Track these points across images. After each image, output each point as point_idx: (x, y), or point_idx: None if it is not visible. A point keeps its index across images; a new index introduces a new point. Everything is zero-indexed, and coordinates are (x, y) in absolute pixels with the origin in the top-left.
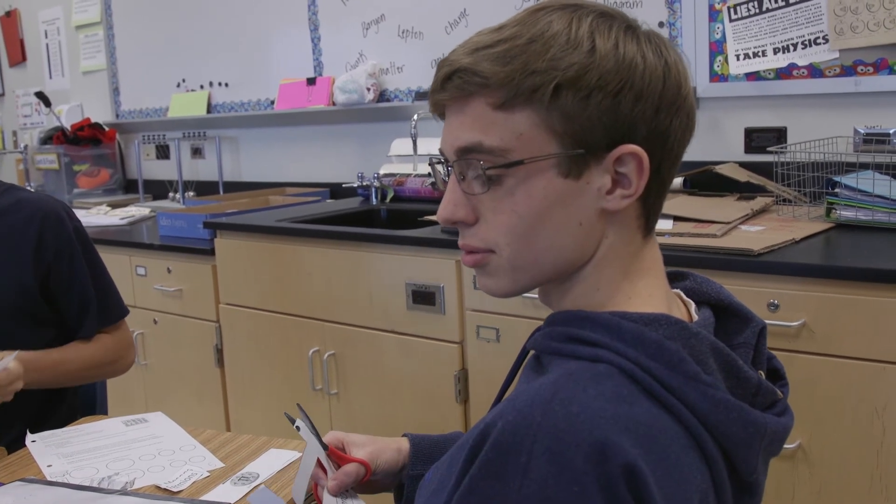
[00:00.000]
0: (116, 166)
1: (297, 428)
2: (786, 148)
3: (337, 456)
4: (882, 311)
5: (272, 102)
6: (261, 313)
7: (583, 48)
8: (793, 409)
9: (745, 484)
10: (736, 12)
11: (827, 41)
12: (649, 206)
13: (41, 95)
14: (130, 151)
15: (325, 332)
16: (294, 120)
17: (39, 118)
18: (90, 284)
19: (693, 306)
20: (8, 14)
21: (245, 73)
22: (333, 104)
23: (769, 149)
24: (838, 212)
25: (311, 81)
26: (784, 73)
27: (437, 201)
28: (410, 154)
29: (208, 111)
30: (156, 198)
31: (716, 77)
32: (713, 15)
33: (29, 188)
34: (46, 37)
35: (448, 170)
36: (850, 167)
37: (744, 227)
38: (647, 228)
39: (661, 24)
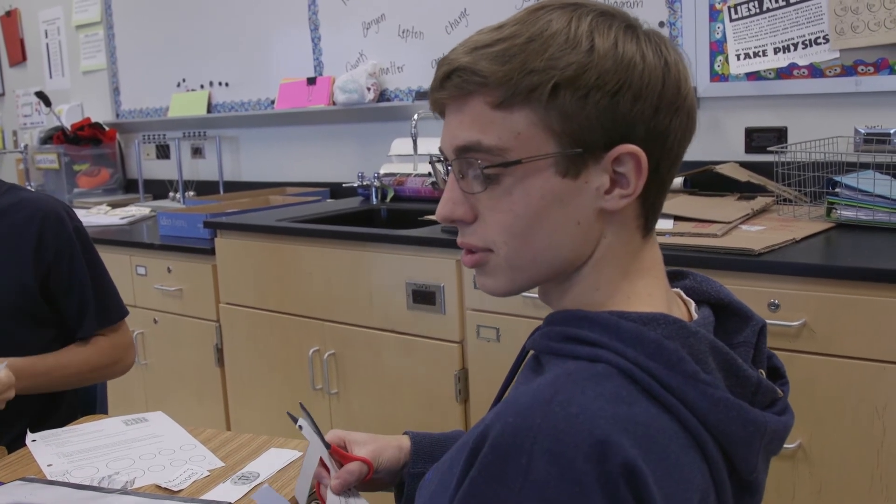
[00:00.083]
0: (117, 166)
1: (300, 427)
2: (786, 148)
3: (339, 454)
4: (882, 311)
5: (272, 102)
6: (261, 313)
7: (581, 47)
8: (793, 408)
9: (745, 483)
10: (736, 12)
11: (827, 41)
12: (649, 206)
13: (41, 95)
14: (131, 151)
15: (326, 331)
16: (294, 120)
17: (39, 118)
18: (90, 285)
19: (693, 305)
20: (8, 14)
21: (245, 72)
22: (334, 104)
23: (770, 148)
24: (839, 212)
25: (311, 81)
26: (784, 73)
27: (438, 201)
28: (411, 154)
29: (208, 111)
30: (156, 197)
31: (716, 77)
32: (714, 15)
33: (29, 188)
34: (47, 36)
35: (447, 168)
36: (851, 167)
37: (744, 227)
38: (647, 228)
39: (661, 24)
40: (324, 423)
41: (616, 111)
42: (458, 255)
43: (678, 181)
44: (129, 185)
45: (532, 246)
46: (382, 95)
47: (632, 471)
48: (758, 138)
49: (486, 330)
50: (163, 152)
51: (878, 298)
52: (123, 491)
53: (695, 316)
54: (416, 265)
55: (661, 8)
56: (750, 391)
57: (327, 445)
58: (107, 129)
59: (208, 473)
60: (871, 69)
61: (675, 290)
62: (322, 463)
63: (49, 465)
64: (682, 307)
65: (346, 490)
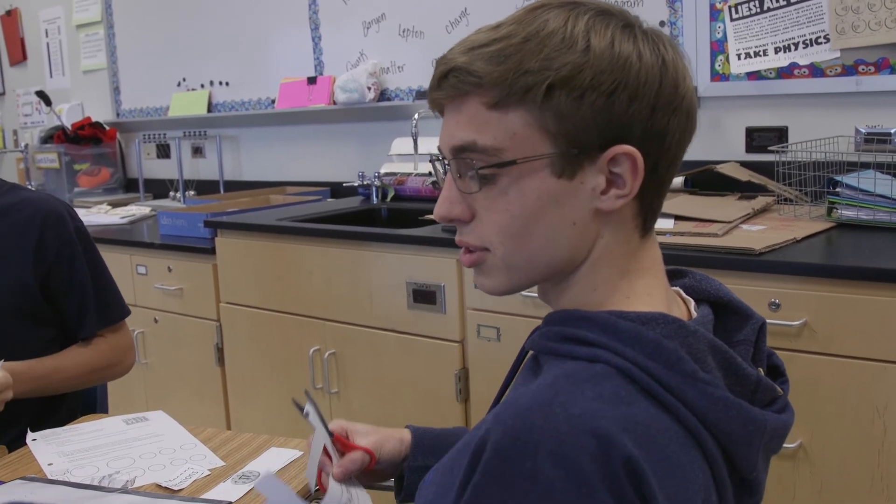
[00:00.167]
0: (117, 165)
1: (307, 413)
2: (787, 147)
3: (342, 443)
4: (883, 311)
5: (273, 101)
6: (261, 312)
7: (577, 47)
8: (793, 408)
9: (745, 482)
10: (737, 11)
11: (828, 40)
12: (646, 206)
13: (42, 94)
14: (131, 150)
15: (326, 331)
16: (295, 119)
17: (40, 117)
18: (91, 285)
19: (692, 304)
20: (9, 13)
21: (246, 72)
22: (334, 103)
23: (770, 148)
24: (839, 211)
25: (311, 80)
26: (785, 73)
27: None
28: (411, 153)
29: (209, 110)
30: (156, 197)
31: (717, 76)
32: (714, 14)
33: (30, 187)
34: (47, 36)
35: (445, 167)
36: (852, 167)
37: (745, 227)
38: (645, 228)
39: (662, 24)
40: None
41: (612, 111)
42: (458, 254)
43: (679, 181)
44: (130, 185)
45: (528, 246)
46: (383, 95)
47: (633, 468)
48: (758, 138)
49: (487, 329)
50: (163, 152)
51: (879, 298)
52: (124, 490)
53: (694, 314)
54: (417, 265)
55: (662, 7)
56: (749, 390)
57: (330, 434)
58: (107, 128)
59: (209, 473)
60: (872, 69)
61: (674, 288)
62: (325, 451)
63: (49, 465)
64: (681, 306)
65: (347, 478)
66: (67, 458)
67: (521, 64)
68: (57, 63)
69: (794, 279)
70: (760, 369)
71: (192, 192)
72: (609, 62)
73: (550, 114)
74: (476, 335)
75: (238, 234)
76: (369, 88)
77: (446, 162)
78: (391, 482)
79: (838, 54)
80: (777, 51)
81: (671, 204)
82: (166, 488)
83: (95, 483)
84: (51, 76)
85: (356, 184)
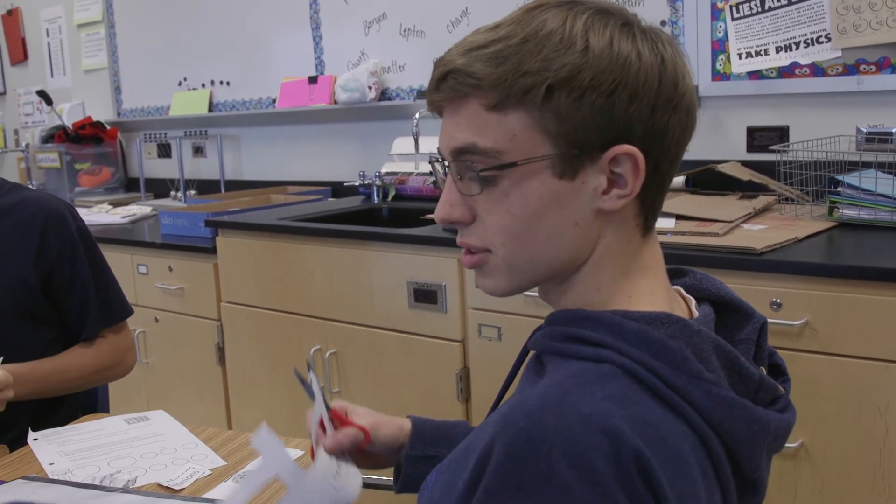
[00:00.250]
0: (118, 165)
1: (310, 381)
2: (788, 147)
3: (338, 419)
4: (885, 310)
5: (274, 101)
6: (262, 312)
7: (576, 47)
8: (795, 407)
9: (748, 481)
10: (738, 11)
11: (829, 40)
12: (648, 205)
13: (43, 94)
14: (132, 150)
15: (327, 330)
16: (295, 118)
17: (41, 117)
18: (92, 285)
19: (693, 302)
20: (10, 13)
21: (246, 71)
22: (335, 103)
23: (771, 147)
24: (841, 211)
25: (312, 80)
26: (786, 72)
27: (439, 200)
28: (412, 152)
29: (210, 110)
30: (157, 196)
31: (718, 76)
32: (715, 14)
33: (31, 187)
34: (48, 35)
35: (445, 169)
36: (853, 166)
37: (746, 226)
38: (646, 227)
39: (663, 23)
40: None
41: (612, 111)
42: (459, 254)
43: (679, 180)
44: (131, 184)
45: (530, 247)
46: (384, 94)
47: (644, 467)
48: (759, 137)
49: (488, 329)
50: (164, 151)
51: (881, 298)
52: (125, 490)
53: (695, 313)
54: (418, 264)
55: (663, 6)
56: (752, 389)
57: (328, 408)
58: (108, 127)
59: (210, 472)
60: (873, 68)
61: (674, 287)
62: (321, 424)
63: (51, 464)
64: (682, 305)
65: (339, 451)
66: (69, 457)
67: (520, 65)
68: (58, 62)
69: (796, 279)
70: (762, 368)
71: (192, 192)
72: (608, 62)
73: (550, 115)
74: (477, 335)
75: (239, 233)
76: (370, 88)
77: (446, 163)
78: (391, 482)
79: (839, 53)
80: (778, 50)
81: (672, 203)
82: (167, 488)
83: (97, 483)
84: (52, 76)
85: (357, 183)
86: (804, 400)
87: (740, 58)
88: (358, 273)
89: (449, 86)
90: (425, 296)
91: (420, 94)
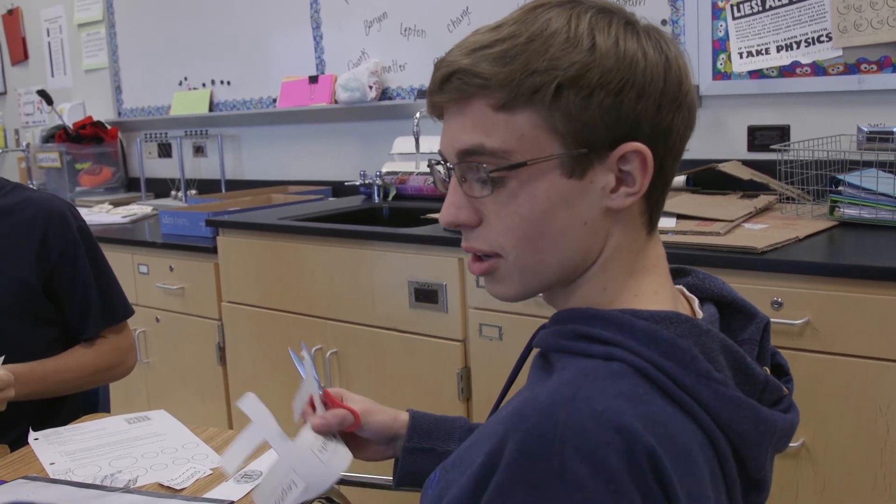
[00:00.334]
0: (118, 164)
1: (302, 358)
2: (789, 146)
3: (330, 400)
4: (886, 310)
5: (274, 100)
6: (263, 311)
7: (583, 46)
8: (798, 408)
9: (753, 481)
10: (739, 10)
11: (830, 39)
12: (653, 203)
13: (43, 94)
14: (132, 150)
15: (328, 330)
16: (296, 118)
17: (41, 116)
18: (93, 285)
19: (696, 302)
20: (10, 12)
21: (247, 71)
22: (336, 102)
23: (772, 147)
24: (842, 210)
25: (313, 79)
26: (787, 71)
27: (440, 199)
28: (413, 152)
29: (210, 109)
30: (158, 196)
31: (719, 75)
32: (716, 13)
33: (32, 186)
34: (48, 35)
35: (448, 171)
36: (854, 165)
37: (747, 226)
38: (651, 225)
39: (663, 22)
40: None
41: (620, 110)
42: (460, 253)
43: (680, 179)
44: (131, 184)
45: (540, 248)
46: (384, 94)
47: (656, 464)
48: (760, 136)
49: (489, 328)
50: (165, 151)
51: (882, 297)
52: (126, 489)
53: (699, 313)
54: (419, 263)
55: (664, 5)
56: (758, 389)
57: (321, 389)
58: (109, 127)
59: (211, 472)
60: (874, 67)
61: (677, 287)
62: (311, 403)
63: (51, 464)
64: (685, 304)
65: (326, 430)
66: (69, 457)
67: (528, 64)
68: (58, 62)
69: (797, 278)
70: (766, 368)
71: (193, 192)
72: (615, 60)
73: (559, 114)
74: (478, 334)
75: (240, 233)
76: (371, 87)
77: (449, 166)
78: (389, 481)
79: (840, 53)
80: (779, 49)
81: (673, 203)
82: (168, 487)
83: (97, 482)
84: (52, 75)
85: (358, 183)
86: (805, 399)
87: (741, 57)
88: (359, 273)
89: (454, 86)
90: (426, 295)
91: (421, 93)
